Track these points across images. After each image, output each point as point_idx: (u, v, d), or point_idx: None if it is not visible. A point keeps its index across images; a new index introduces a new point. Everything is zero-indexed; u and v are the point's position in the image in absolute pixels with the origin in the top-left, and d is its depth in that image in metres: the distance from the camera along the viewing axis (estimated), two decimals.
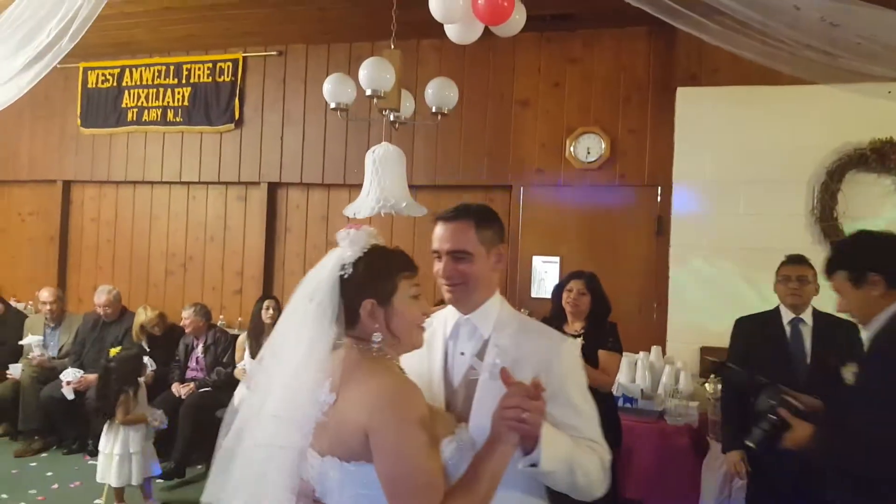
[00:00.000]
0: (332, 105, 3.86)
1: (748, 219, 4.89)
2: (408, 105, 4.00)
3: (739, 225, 4.90)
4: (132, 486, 4.41)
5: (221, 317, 6.42)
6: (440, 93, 3.71)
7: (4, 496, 4.73)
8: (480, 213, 1.82)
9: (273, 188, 6.49)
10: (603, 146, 5.38)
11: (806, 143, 4.77)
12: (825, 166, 4.74)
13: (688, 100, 5.04)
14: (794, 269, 3.34)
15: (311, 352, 1.59)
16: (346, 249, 1.67)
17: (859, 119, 4.59)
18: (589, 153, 5.41)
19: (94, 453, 5.43)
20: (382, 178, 3.73)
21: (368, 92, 3.52)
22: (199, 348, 5.73)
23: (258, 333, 5.60)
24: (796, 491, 3.04)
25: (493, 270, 1.80)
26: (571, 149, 5.46)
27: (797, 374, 3.19)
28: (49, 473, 5.18)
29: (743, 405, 3.10)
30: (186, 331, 5.73)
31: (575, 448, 1.64)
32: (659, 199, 5.26)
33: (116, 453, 4.32)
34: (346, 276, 1.64)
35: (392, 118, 3.78)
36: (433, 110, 3.78)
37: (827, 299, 2.81)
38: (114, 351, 4.60)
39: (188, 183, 6.75)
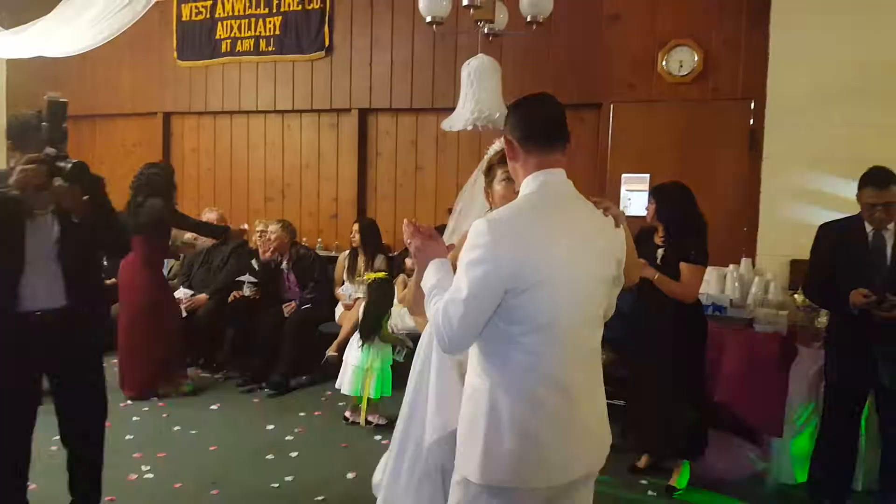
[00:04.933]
0: (428, 19, 3.94)
1: (843, 131, 4.78)
2: (501, 17, 4.05)
3: (834, 137, 4.80)
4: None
5: (319, 240, 6.71)
6: (535, 0, 3.74)
7: (129, 402, 5.10)
8: None
9: (363, 114, 6.66)
10: (696, 59, 5.30)
11: None
12: None
13: (784, 7, 4.92)
14: (878, 194, 3.27)
15: None
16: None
17: None
18: (682, 66, 5.34)
19: (205, 367, 5.89)
20: (478, 91, 3.82)
21: (465, 2, 3.58)
22: (285, 265, 5.95)
23: (355, 254, 5.88)
24: None
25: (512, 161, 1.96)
26: (663, 63, 5.40)
27: (877, 276, 3.27)
28: None
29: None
30: (272, 247, 5.84)
31: (436, 286, 1.86)
32: (752, 112, 5.18)
33: (376, 367, 4.64)
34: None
35: (486, 30, 3.83)
36: (528, 19, 3.81)
37: None
38: (371, 276, 4.91)
39: (282, 112, 6.98)
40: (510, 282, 1.73)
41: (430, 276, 1.89)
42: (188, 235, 5.82)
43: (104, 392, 3.26)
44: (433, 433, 2.38)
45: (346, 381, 4.68)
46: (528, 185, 1.88)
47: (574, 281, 1.80)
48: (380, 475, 2.68)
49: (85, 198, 2.75)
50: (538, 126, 1.88)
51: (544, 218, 1.81)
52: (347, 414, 4.85)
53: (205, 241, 6.08)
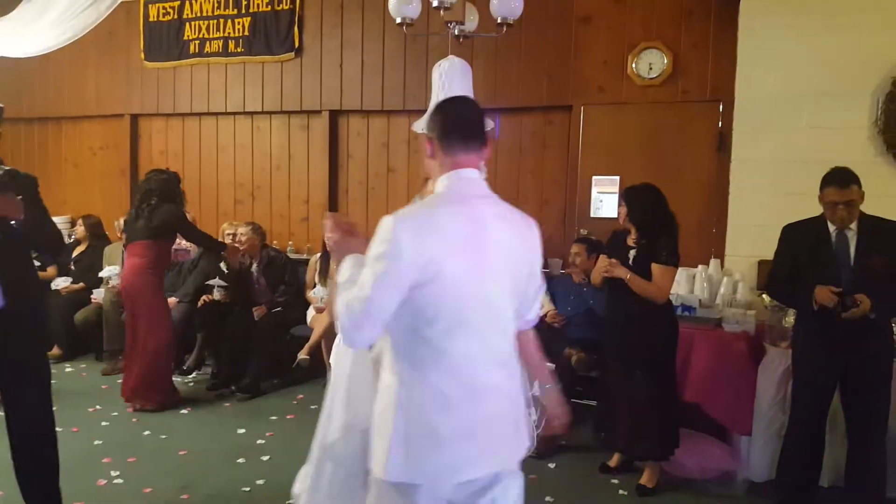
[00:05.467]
0: (398, 20, 3.93)
1: (810, 132, 4.84)
2: (472, 18, 4.05)
3: (802, 139, 4.86)
4: None
5: (290, 243, 6.66)
6: (506, 2, 3.75)
7: (98, 406, 5.10)
8: None
9: (334, 116, 6.62)
10: (665, 62, 5.35)
11: (871, 54, 4.68)
12: (891, 76, 4.64)
13: (752, 11, 4.96)
14: (839, 193, 3.32)
15: None
16: None
17: None
18: (651, 69, 5.39)
19: (175, 371, 5.81)
20: (449, 92, 3.77)
21: (435, 3, 3.58)
22: (255, 268, 5.89)
23: (326, 257, 5.84)
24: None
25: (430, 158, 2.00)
26: (633, 65, 5.44)
27: (841, 275, 3.34)
28: None
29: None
30: (242, 248, 5.71)
31: (348, 281, 1.87)
32: (721, 114, 5.24)
33: None
34: None
35: (457, 31, 3.83)
36: (498, 21, 3.82)
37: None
38: None
39: (252, 113, 6.92)
40: (413, 277, 1.75)
41: (345, 271, 1.92)
42: (184, 242, 5.72)
43: (49, 393, 3.25)
44: (335, 432, 2.35)
45: None
46: (441, 183, 1.94)
47: (479, 279, 1.83)
48: (299, 486, 2.58)
49: (19, 197, 2.85)
50: (457, 127, 1.94)
51: (451, 215, 1.84)
52: None
53: (196, 249, 5.99)
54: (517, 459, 1.97)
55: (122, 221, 6.39)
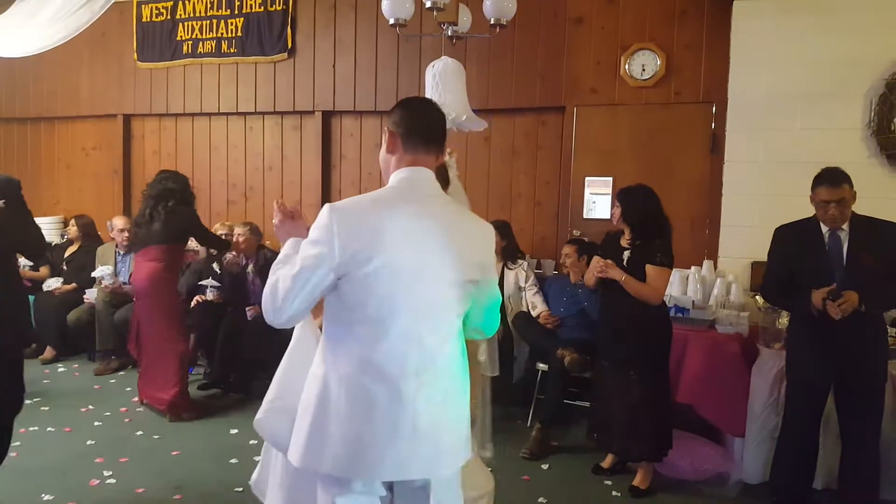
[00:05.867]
0: (391, 21, 3.92)
1: (804, 134, 4.87)
2: (465, 20, 4.05)
3: (795, 140, 4.88)
4: None
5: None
6: (499, 2, 3.75)
7: (91, 407, 5.08)
8: None
9: (327, 117, 6.61)
10: (658, 63, 5.36)
11: (864, 55, 4.71)
12: (884, 78, 4.67)
13: (744, 12, 4.98)
14: (831, 192, 3.33)
15: None
16: None
17: None
18: (644, 70, 5.39)
19: None
20: (443, 93, 3.78)
21: (428, 4, 3.57)
22: (251, 269, 5.83)
23: None
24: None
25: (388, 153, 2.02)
26: (626, 67, 5.45)
27: (833, 275, 3.34)
28: (128, 388, 5.50)
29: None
30: (240, 248, 5.67)
31: (281, 262, 1.91)
32: (714, 116, 5.25)
33: None
34: None
35: (450, 32, 3.83)
36: (491, 22, 3.82)
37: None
38: None
39: (244, 114, 6.90)
40: (342, 267, 1.77)
41: (282, 251, 1.96)
42: (193, 243, 5.66)
43: (22, 385, 3.26)
44: (260, 410, 2.24)
45: None
46: (393, 178, 1.95)
47: (415, 278, 1.82)
48: (255, 474, 2.52)
49: (1, 202, 2.98)
50: (423, 127, 1.97)
51: (392, 211, 1.83)
52: None
53: (204, 250, 5.97)
54: (445, 468, 1.91)
55: (115, 221, 6.40)
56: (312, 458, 1.83)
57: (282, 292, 1.80)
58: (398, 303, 1.80)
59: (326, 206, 1.81)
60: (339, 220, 1.77)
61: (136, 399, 5.20)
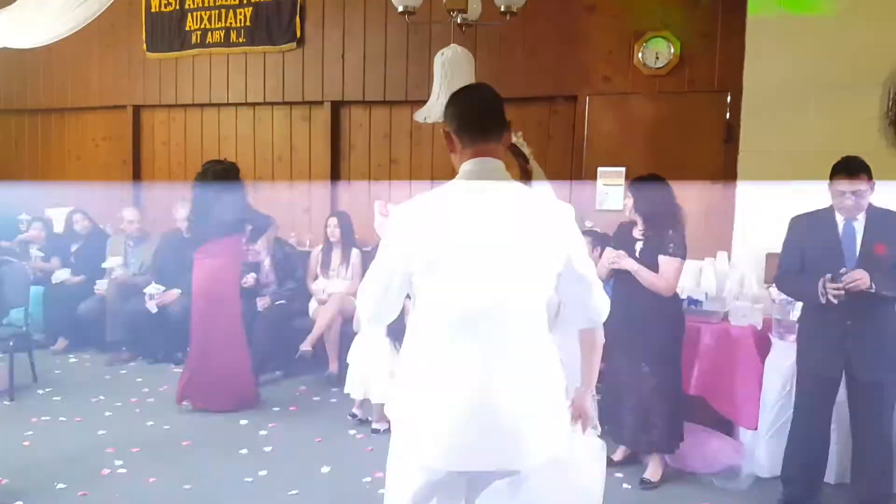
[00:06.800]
0: (400, 9, 3.88)
1: (820, 123, 4.78)
2: (475, 7, 4.00)
3: (811, 130, 4.79)
4: None
5: (293, 234, 6.61)
6: None
7: (102, 397, 5.11)
8: None
9: (336, 107, 6.57)
10: (672, 51, 5.28)
11: (882, 43, 4.61)
12: None
13: None
14: (848, 182, 3.29)
15: None
16: None
17: None
18: (657, 59, 5.31)
19: (180, 362, 5.80)
20: (452, 81, 3.77)
21: None
22: (267, 262, 5.87)
23: (328, 249, 5.83)
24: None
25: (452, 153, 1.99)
26: (639, 55, 5.37)
27: (846, 266, 3.28)
28: (139, 379, 5.56)
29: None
30: None
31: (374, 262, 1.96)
32: (729, 105, 5.18)
33: None
34: None
35: (459, 20, 3.78)
36: (502, 9, 3.77)
37: None
38: None
39: (253, 104, 6.87)
40: (411, 265, 1.81)
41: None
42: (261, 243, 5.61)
43: None
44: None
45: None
46: (459, 172, 1.93)
47: (484, 268, 1.80)
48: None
49: None
50: (471, 117, 1.92)
51: (455, 205, 1.84)
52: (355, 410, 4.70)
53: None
54: (522, 460, 1.87)
55: (125, 213, 6.40)
56: (400, 443, 1.92)
57: (368, 295, 1.91)
58: (466, 294, 1.80)
59: (394, 207, 1.90)
60: (404, 221, 1.84)
61: (145, 390, 5.22)
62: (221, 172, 4.89)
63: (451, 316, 1.82)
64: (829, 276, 3.23)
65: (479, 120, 1.91)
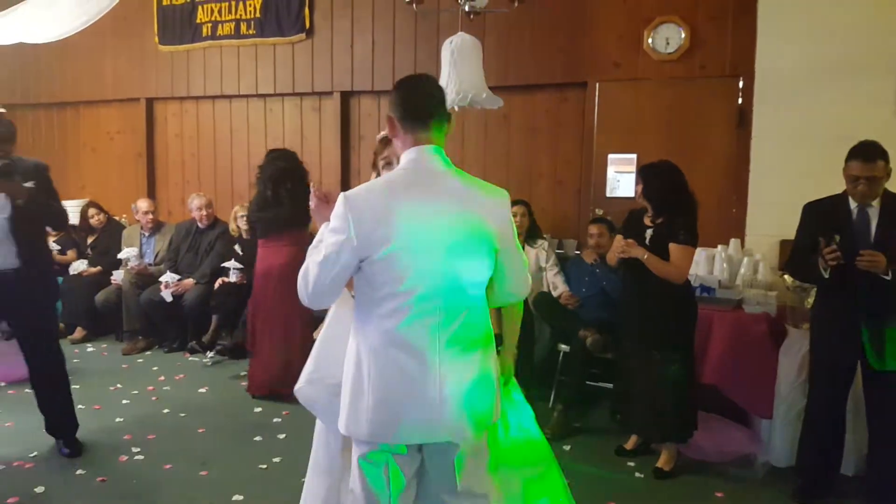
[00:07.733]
0: None
1: (833, 107, 4.73)
2: None
3: (825, 114, 4.74)
4: None
5: None
6: None
7: (119, 385, 5.17)
8: None
9: (346, 97, 6.58)
10: (682, 36, 5.22)
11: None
12: None
13: None
14: (863, 167, 3.21)
15: None
16: None
17: None
18: (668, 44, 5.26)
19: (195, 351, 5.86)
20: (460, 70, 3.74)
21: None
22: None
23: None
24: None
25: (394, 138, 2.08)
26: (649, 40, 5.32)
27: (857, 252, 3.20)
28: (154, 368, 5.61)
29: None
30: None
31: (315, 246, 1.99)
32: (741, 90, 5.12)
33: None
34: None
35: (467, 8, 3.76)
36: None
37: None
38: None
39: (264, 96, 6.90)
40: (361, 251, 1.86)
41: (317, 236, 2.04)
42: None
43: (57, 338, 4.04)
44: (300, 380, 2.48)
45: None
46: (402, 160, 2.01)
47: (430, 251, 1.88)
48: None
49: (30, 184, 3.55)
50: (414, 105, 1.98)
51: (401, 192, 1.90)
52: None
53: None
54: (471, 433, 1.98)
55: (140, 204, 6.46)
56: (353, 426, 1.97)
57: (311, 277, 1.92)
58: (416, 277, 1.87)
59: (341, 194, 1.90)
60: (353, 208, 1.86)
61: (161, 378, 5.29)
62: (292, 163, 4.96)
63: (400, 300, 1.88)
64: (821, 240, 3.19)
65: (420, 109, 1.98)
